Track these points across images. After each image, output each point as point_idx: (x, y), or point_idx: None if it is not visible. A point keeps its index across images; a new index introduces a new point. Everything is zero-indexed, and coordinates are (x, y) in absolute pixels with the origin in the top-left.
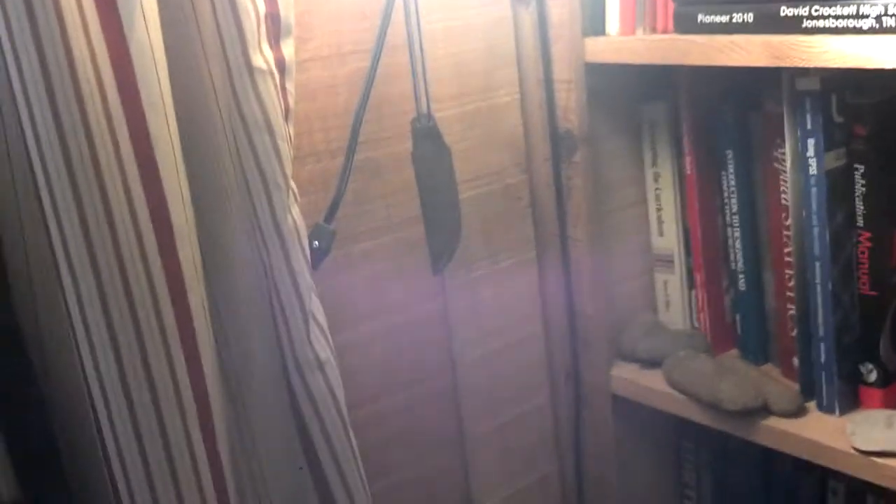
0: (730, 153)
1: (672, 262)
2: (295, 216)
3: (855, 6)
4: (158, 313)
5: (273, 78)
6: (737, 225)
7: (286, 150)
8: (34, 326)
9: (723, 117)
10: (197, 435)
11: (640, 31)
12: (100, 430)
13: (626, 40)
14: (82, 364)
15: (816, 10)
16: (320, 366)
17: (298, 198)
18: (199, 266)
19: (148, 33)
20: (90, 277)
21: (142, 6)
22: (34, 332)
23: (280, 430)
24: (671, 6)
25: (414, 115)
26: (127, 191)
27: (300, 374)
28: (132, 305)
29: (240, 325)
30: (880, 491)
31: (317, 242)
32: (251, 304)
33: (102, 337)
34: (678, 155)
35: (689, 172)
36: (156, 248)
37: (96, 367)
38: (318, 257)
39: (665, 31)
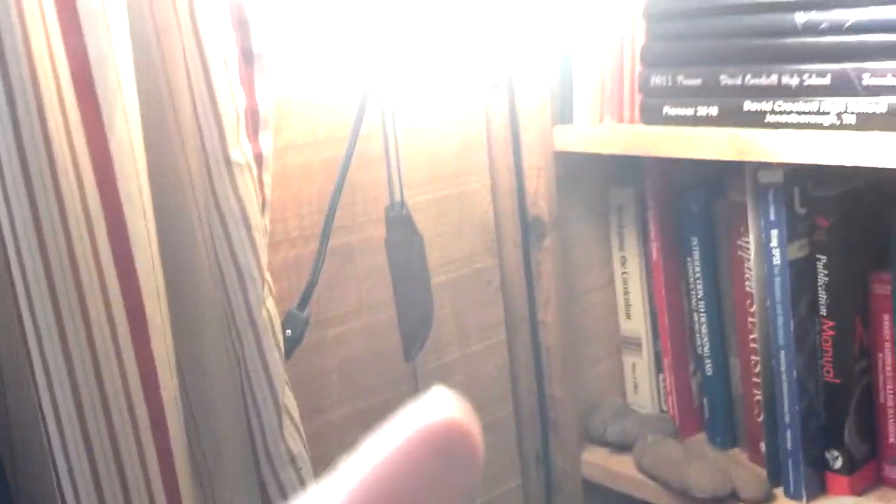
0: (695, 240)
1: (640, 345)
2: (269, 308)
3: (816, 102)
4: (131, 408)
5: (251, 171)
6: (703, 310)
7: (262, 243)
8: None
9: (688, 205)
10: None
11: (607, 121)
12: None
13: (595, 130)
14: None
15: (779, 106)
16: (292, 460)
17: (273, 289)
18: (172, 361)
19: (129, 131)
20: (66, 380)
21: (123, 105)
22: None
23: None
24: (638, 98)
25: (388, 202)
26: (102, 284)
27: (272, 469)
28: (104, 397)
29: (212, 418)
30: None
31: (289, 331)
32: (223, 396)
33: (69, 404)
34: (645, 240)
35: (655, 257)
36: (129, 341)
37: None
38: (290, 346)
39: (632, 122)
